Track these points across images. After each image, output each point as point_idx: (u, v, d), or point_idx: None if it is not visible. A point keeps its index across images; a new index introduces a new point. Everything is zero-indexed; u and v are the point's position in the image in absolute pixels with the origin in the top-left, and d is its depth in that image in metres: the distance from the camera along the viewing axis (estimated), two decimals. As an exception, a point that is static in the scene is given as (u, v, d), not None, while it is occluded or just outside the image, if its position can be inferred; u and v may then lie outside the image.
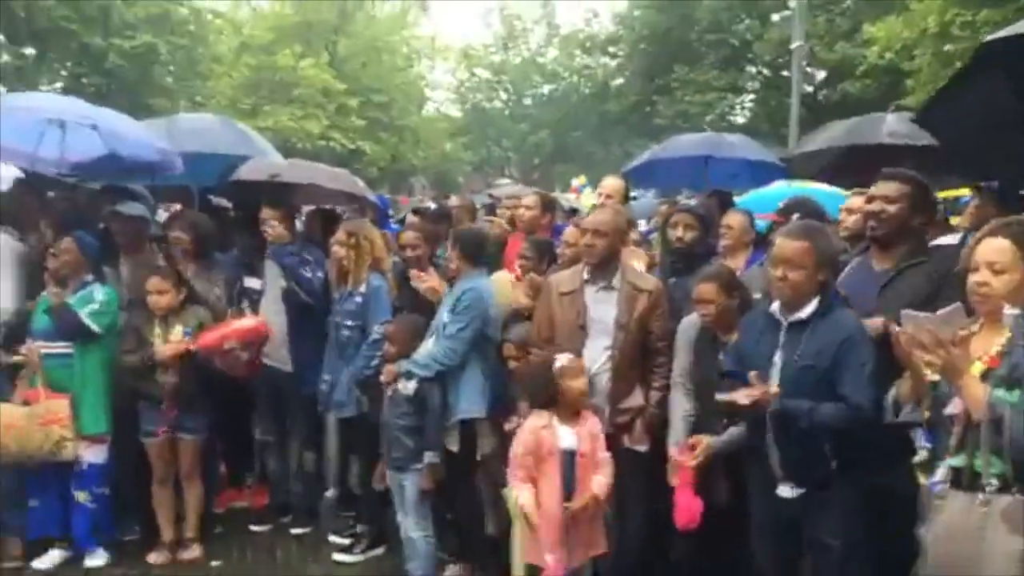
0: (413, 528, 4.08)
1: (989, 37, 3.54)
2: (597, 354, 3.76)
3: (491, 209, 7.00)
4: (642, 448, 3.77)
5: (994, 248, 2.49)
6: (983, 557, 2.34)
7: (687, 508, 3.36)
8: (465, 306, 4.03)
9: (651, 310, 3.78)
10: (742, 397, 2.93)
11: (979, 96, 3.54)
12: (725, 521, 3.36)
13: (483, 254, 4.24)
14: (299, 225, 5.57)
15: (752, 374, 2.97)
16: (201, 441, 4.56)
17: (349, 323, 4.47)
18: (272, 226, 4.77)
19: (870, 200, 3.39)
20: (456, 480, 4.14)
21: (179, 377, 4.40)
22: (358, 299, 4.46)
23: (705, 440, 3.38)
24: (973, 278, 2.51)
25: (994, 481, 2.37)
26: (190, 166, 5.63)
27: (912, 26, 13.06)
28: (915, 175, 3.40)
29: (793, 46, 16.02)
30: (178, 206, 6.57)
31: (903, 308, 3.01)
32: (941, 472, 2.53)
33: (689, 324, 3.68)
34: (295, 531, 4.88)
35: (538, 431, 3.46)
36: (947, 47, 12.54)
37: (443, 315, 4.13)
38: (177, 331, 4.43)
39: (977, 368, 2.47)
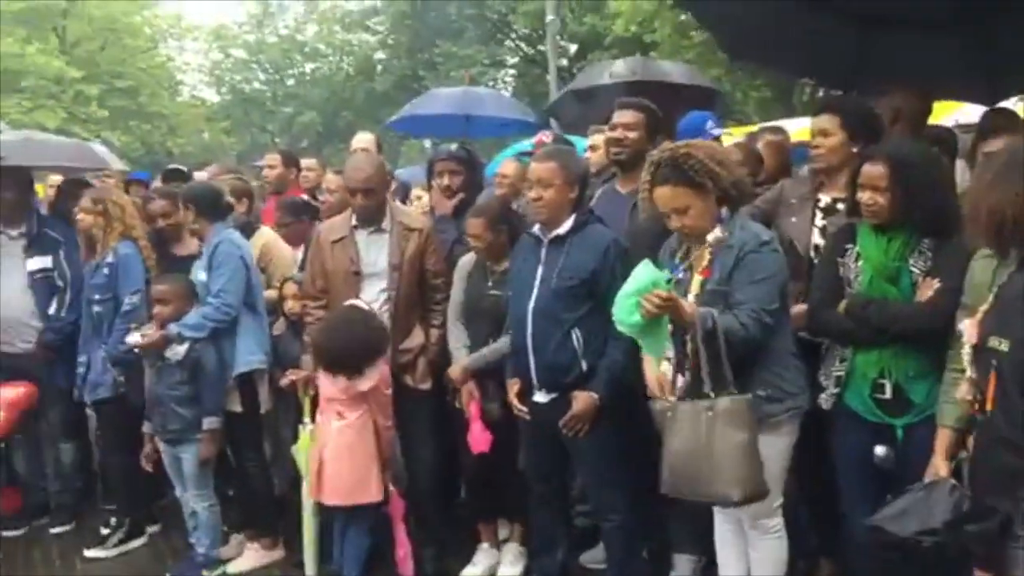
0: (196, 500, 3.87)
1: None
2: (373, 298, 3.71)
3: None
4: (425, 387, 3.78)
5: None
6: (713, 453, 2.52)
7: (480, 439, 3.49)
8: (222, 259, 3.84)
9: (424, 248, 3.79)
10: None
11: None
12: (508, 439, 3.48)
13: (219, 208, 4.03)
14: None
15: None
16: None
17: (99, 297, 4.13)
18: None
19: (612, 128, 3.62)
20: (242, 444, 3.96)
21: None
22: (105, 270, 4.12)
23: (460, 363, 3.57)
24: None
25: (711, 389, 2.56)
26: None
27: (651, -1, 14.09)
28: (648, 103, 3.66)
29: (547, 20, 16.67)
30: None
31: (650, 225, 3.25)
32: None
33: (467, 259, 3.74)
34: (55, 530, 4.45)
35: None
36: (683, 17, 13.63)
37: (199, 276, 3.90)
38: None
39: (696, 281, 2.72)
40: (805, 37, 3.85)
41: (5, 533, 4.43)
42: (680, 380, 2.69)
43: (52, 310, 4.42)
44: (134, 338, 3.80)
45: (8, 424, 4.19)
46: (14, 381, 4.24)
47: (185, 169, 6.32)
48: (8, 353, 4.38)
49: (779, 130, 4.39)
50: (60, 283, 4.44)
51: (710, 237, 2.70)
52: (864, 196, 2.69)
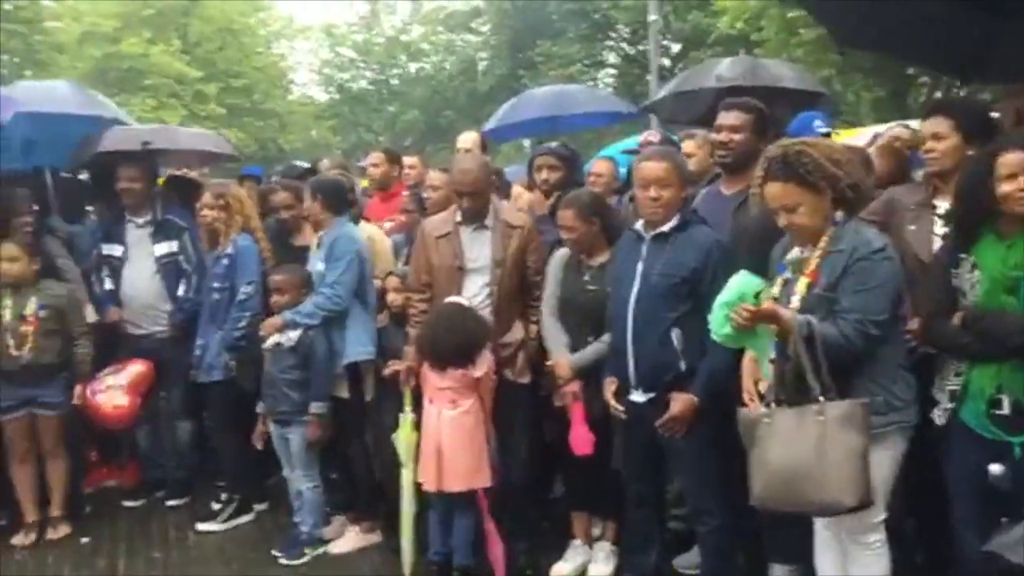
0: (301, 480, 4.07)
1: None
2: (475, 292, 3.80)
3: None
4: (524, 380, 3.84)
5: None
6: (825, 458, 2.43)
7: (583, 440, 3.50)
8: (340, 252, 4.02)
9: (525, 246, 3.85)
10: None
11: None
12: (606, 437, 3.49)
13: (344, 202, 4.21)
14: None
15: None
16: (63, 416, 4.34)
17: (217, 285, 4.39)
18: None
19: (718, 130, 3.57)
20: (347, 429, 4.13)
21: (35, 351, 4.20)
22: (225, 261, 4.38)
23: (562, 360, 3.57)
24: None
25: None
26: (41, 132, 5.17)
27: (758, -5, 13.75)
28: (754, 102, 3.59)
29: (650, 19, 16.48)
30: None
31: (753, 226, 3.18)
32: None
33: (561, 253, 3.78)
34: (171, 503, 4.75)
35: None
36: (791, 14, 13.25)
37: (317, 266, 4.09)
38: (32, 304, 4.24)
39: (803, 284, 2.65)
40: (924, 24, 3.69)
41: (126, 503, 4.78)
42: (775, 388, 2.64)
43: (181, 291, 4.70)
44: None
45: (134, 408, 4.47)
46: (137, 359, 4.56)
47: (310, 165, 6.54)
48: (135, 335, 4.70)
49: (909, 129, 4.05)
50: (187, 266, 4.72)
51: (789, 256, 2.66)
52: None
